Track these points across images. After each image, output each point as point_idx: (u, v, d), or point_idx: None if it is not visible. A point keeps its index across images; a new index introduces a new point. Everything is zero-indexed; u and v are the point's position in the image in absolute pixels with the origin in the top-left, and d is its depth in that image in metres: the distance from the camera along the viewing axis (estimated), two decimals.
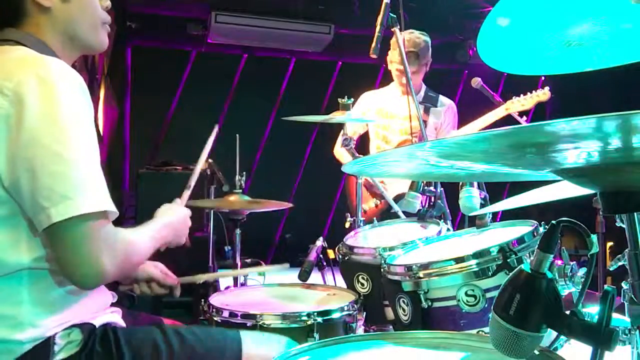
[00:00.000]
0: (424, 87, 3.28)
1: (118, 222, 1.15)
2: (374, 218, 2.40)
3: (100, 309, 1.26)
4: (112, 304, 1.33)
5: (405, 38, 3.02)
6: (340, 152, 3.33)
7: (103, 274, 1.07)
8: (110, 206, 1.09)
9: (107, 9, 1.31)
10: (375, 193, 3.12)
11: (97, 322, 1.21)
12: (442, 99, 3.25)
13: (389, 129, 3.22)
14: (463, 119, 3.31)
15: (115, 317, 1.29)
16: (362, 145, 3.37)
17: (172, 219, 1.42)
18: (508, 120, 3.05)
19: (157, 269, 1.57)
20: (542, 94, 3.11)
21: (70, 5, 1.22)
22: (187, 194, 1.67)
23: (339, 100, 2.28)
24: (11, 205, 1.06)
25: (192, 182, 1.73)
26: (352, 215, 2.48)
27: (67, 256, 1.06)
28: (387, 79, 3.39)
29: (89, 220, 1.05)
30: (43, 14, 1.20)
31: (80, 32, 1.25)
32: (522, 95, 3.14)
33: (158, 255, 1.38)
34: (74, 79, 1.09)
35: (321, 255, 2.15)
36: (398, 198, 2.88)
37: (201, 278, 1.85)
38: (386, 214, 3.00)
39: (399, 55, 2.84)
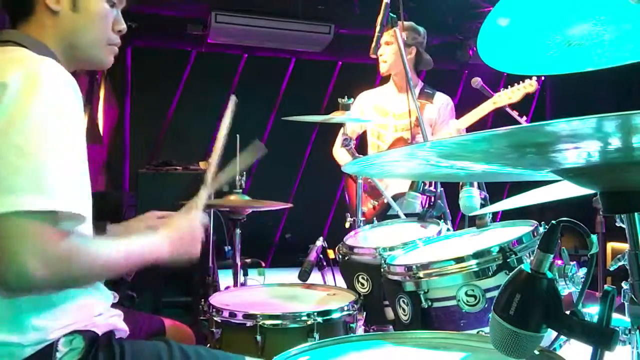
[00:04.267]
0: (420, 83, 3.27)
1: (119, 220, 1.15)
2: (374, 218, 2.40)
3: (102, 310, 1.25)
4: (113, 305, 1.32)
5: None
6: (339, 153, 3.33)
7: (29, 278, 0.96)
8: (65, 206, 1.01)
9: (121, 34, 1.31)
10: (372, 194, 3.12)
11: (100, 329, 1.20)
12: (439, 95, 3.22)
13: (383, 127, 3.22)
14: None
15: (117, 320, 1.29)
16: (361, 144, 3.38)
17: (173, 234, 1.28)
18: (508, 119, 3.04)
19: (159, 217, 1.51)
20: (529, 85, 3.05)
21: (79, 16, 1.22)
22: (204, 193, 1.51)
23: (339, 100, 2.29)
24: None
25: (210, 176, 1.56)
26: (352, 215, 2.48)
27: None
28: (386, 78, 3.39)
29: (32, 219, 0.97)
30: (50, 16, 1.20)
31: (82, 45, 1.25)
32: (509, 87, 3.11)
33: None
34: (62, 78, 1.08)
35: (321, 255, 2.15)
36: (396, 197, 2.89)
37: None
38: (384, 215, 3.00)
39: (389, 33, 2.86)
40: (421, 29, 3.18)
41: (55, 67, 1.09)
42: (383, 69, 3.17)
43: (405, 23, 3.05)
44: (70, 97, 1.08)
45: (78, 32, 1.23)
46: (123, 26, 1.31)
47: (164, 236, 1.26)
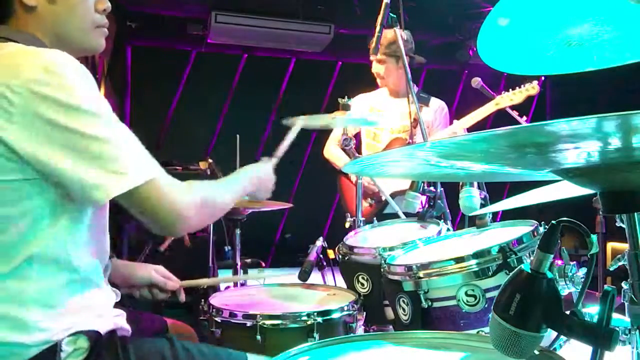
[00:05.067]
0: (415, 87, 3.29)
1: (118, 222, 1.15)
2: (373, 218, 2.41)
3: (106, 310, 1.25)
4: (115, 304, 1.32)
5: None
6: (332, 154, 3.34)
7: (184, 218, 1.15)
8: (156, 172, 1.15)
9: (105, 12, 1.29)
10: (368, 193, 3.12)
11: (103, 328, 1.20)
12: (434, 100, 3.27)
13: (379, 128, 3.23)
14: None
15: (120, 320, 1.29)
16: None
17: (257, 172, 1.53)
18: (507, 119, 3.04)
19: (158, 273, 1.56)
20: (531, 88, 3.10)
21: (57, 6, 1.20)
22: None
23: (339, 100, 2.29)
24: (21, 194, 1.06)
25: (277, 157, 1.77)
26: (351, 215, 2.49)
27: (146, 217, 1.15)
28: None
29: (146, 186, 1.11)
30: (29, 13, 1.19)
31: (69, 34, 1.24)
32: (510, 90, 3.13)
33: (157, 257, 1.37)
34: (74, 63, 1.09)
35: (321, 255, 2.15)
36: (392, 197, 2.91)
37: (204, 283, 1.84)
38: (381, 213, 3.01)
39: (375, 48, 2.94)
40: (405, 34, 3.21)
41: (60, 54, 1.09)
42: (383, 84, 3.25)
43: (389, 35, 3.10)
44: (88, 76, 1.11)
45: (61, 22, 1.22)
46: (107, 5, 1.28)
47: (250, 177, 1.49)
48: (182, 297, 1.62)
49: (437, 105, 3.24)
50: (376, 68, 3.21)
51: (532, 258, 0.85)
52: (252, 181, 1.49)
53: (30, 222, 1.08)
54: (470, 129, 3.16)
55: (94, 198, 1.08)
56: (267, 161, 1.64)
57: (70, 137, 1.05)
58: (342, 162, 3.25)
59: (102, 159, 1.07)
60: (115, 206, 1.13)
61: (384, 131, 3.21)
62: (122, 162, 1.09)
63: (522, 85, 3.11)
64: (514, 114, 3.05)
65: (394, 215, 2.47)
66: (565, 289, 1.10)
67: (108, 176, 1.07)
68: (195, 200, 1.19)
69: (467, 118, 3.17)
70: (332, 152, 3.34)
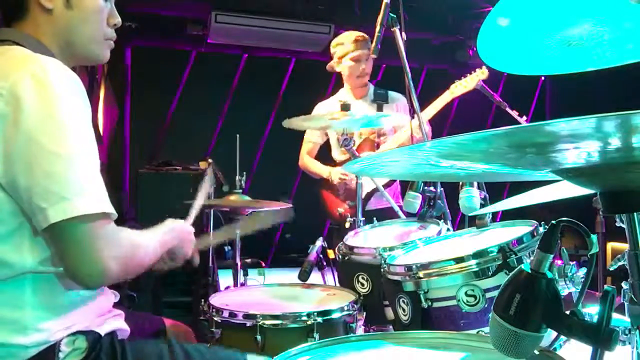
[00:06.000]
0: (371, 86, 3.28)
1: (118, 222, 1.15)
2: (374, 218, 2.40)
3: (104, 311, 1.26)
4: (114, 305, 1.33)
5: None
6: (306, 165, 3.34)
7: (107, 272, 1.06)
8: (108, 208, 1.08)
9: (116, 27, 1.31)
10: (349, 196, 3.11)
11: (102, 330, 1.20)
12: (392, 94, 3.24)
13: (349, 132, 3.22)
14: (464, 119, 3.31)
15: (119, 321, 1.29)
16: (325, 151, 3.38)
17: (176, 226, 1.42)
18: (507, 119, 3.04)
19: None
20: (481, 73, 3.11)
21: (73, 12, 1.22)
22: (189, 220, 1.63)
23: (339, 100, 2.29)
24: (12, 206, 1.06)
25: (193, 215, 1.71)
26: (333, 219, 2.49)
27: (68, 256, 1.05)
28: (386, 79, 3.39)
29: (88, 221, 1.04)
30: (44, 14, 1.20)
31: (78, 42, 1.25)
32: (462, 77, 3.15)
33: None
34: (69, 78, 1.09)
35: (321, 255, 2.15)
36: (370, 195, 3.00)
37: (213, 239, 1.85)
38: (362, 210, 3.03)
39: (352, 42, 3.07)
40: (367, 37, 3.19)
41: (58, 65, 1.09)
42: (358, 83, 3.22)
43: (358, 36, 3.10)
44: (78, 95, 1.10)
45: (73, 29, 1.23)
46: (118, 19, 1.30)
47: (171, 233, 1.38)
48: (197, 261, 1.57)
49: (396, 100, 3.22)
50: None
51: (532, 258, 0.85)
52: (173, 237, 1.39)
53: (25, 231, 1.08)
54: (431, 120, 3.17)
55: (35, 220, 1.04)
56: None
57: (35, 148, 1.02)
58: (317, 170, 3.27)
59: (54, 180, 1.02)
60: (114, 207, 1.13)
61: (354, 135, 3.21)
62: (72, 187, 1.03)
63: (473, 72, 3.12)
64: (514, 113, 3.05)
65: (377, 212, 2.48)
66: (565, 289, 1.10)
67: (52, 200, 1.01)
68: (120, 257, 1.09)
69: (427, 110, 3.17)
70: (306, 162, 3.35)
